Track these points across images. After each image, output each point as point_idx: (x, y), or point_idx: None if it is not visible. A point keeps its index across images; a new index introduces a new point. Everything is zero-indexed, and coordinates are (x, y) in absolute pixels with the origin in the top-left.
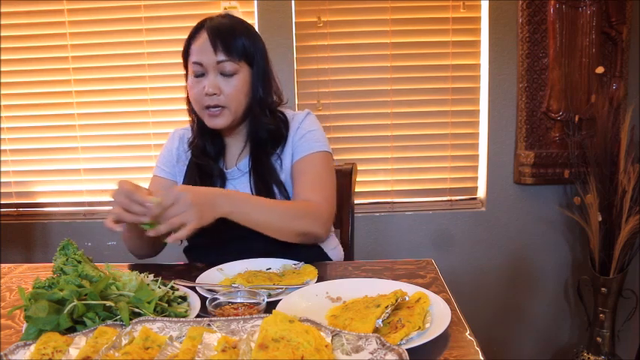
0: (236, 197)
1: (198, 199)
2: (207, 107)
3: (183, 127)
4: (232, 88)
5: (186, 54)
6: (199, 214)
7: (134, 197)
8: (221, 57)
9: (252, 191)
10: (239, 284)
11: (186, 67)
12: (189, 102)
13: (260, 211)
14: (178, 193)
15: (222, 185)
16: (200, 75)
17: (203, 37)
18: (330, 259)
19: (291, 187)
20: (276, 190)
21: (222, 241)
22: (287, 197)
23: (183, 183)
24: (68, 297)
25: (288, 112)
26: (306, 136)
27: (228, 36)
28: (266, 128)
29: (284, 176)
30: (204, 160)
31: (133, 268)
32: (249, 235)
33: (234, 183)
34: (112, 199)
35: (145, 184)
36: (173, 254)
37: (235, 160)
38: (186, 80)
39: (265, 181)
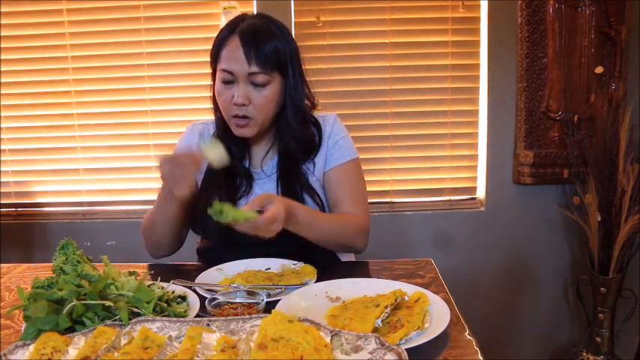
0: (304, 210)
1: (285, 217)
2: (235, 116)
3: (202, 122)
4: (262, 99)
5: (215, 57)
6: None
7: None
8: (254, 68)
9: None
10: (238, 284)
11: (213, 68)
12: (214, 100)
13: (320, 224)
14: (276, 216)
15: (249, 185)
16: (229, 82)
17: (235, 44)
18: None
19: (321, 191)
20: (307, 197)
21: (238, 244)
22: (321, 204)
23: (206, 181)
24: (67, 297)
25: (317, 114)
26: (339, 143)
27: (262, 43)
28: (295, 138)
29: (315, 179)
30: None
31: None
32: (267, 240)
33: (259, 183)
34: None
35: (144, 184)
36: (184, 255)
37: (260, 161)
38: (212, 80)
39: (294, 190)
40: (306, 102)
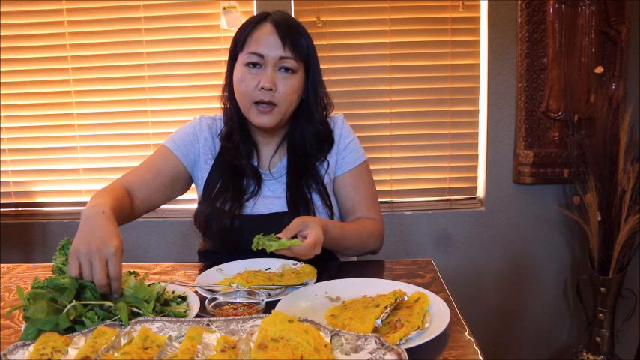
0: (333, 225)
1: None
2: (258, 102)
3: (210, 117)
4: (288, 86)
5: (240, 43)
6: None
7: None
8: (288, 53)
9: (287, 204)
10: (238, 284)
11: (232, 56)
12: (225, 92)
13: (348, 237)
14: (317, 241)
15: (258, 186)
16: (255, 65)
17: (268, 29)
18: None
19: (331, 194)
20: (317, 200)
21: (238, 247)
22: (330, 207)
23: (213, 179)
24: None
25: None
26: (349, 146)
27: (296, 33)
28: (314, 132)
29: (328, 179)
30: (237, 160)
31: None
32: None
33: (268, 185)
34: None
35: None
36: (184, 256)
37: (268, 162)
38: (228, 69)
39: (302, 192)
40: (321, 107)
